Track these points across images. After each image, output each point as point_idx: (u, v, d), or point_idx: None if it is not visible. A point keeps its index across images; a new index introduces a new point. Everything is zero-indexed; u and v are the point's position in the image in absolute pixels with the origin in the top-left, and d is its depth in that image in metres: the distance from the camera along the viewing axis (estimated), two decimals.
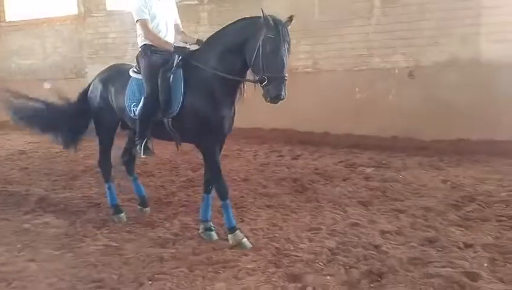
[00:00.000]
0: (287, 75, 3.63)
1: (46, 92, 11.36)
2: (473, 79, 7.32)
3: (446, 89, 7.40)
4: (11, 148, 8.94)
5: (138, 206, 5.02)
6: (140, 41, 4.40)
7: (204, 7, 9.62)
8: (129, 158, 5.02)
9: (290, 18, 3.73)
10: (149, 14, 4.28)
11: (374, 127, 7.97)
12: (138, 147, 4.28)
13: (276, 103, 3.64)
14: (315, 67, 8.71)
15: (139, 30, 4.37)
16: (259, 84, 3.67)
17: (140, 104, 4.21)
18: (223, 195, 4.07)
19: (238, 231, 4.03)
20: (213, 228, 4.24)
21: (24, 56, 12.30)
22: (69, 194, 5.71)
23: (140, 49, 4.41)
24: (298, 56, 8.68)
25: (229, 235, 4.02)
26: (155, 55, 4.25)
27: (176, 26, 4.61)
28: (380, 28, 8.03)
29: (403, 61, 7.94)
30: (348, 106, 8.18)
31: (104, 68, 5.05)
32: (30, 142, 9.54)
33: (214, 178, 4.14)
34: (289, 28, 3.70)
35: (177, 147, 4.37)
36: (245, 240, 3.98)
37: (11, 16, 12.49)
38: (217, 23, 9.17)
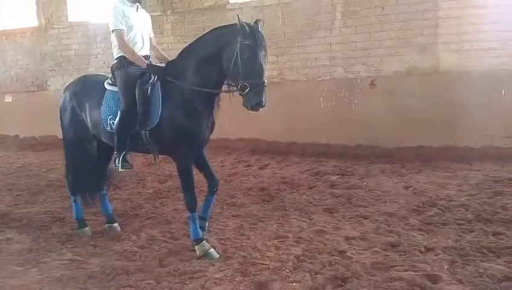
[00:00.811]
0: (266, 81, 3.66)
1: (7, 105, 11.22)
2: (432, 87, 7.55)
3: (407, 98, 7.60)
4: None
5: (106, 225, 4.83)
6: (116, 52, 4.31)
7: (168, 18, 9.64)
8: (100, 173, 4.91)
9: (256, 22, 3.78)
10: (126, 25, 4.22)
11: (338, 135, 8.09)
12: (117, 160, 4.17)
13: (257, 110, 3.64)
14: (280, 78, 8.82)
15: (114, 41, 4.28)
16: (239, 93, 3.66)
17: (117, 118, 4.12)
18: (191, 207, 4.07)
19: (204, 242, 4.04)
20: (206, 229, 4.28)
21: None
22: (32, 209, 5.60)
23: (115, 61, 4.33)
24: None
25: (196, 247, 4.02)
26: (131, 67, 4.18)
27: (150, 40, 4.58)
28: (341, 39, 8.22)
29: (364, 71, 8.14)
30: (313, 115, 8.30)
31: (71, 80, 4.94)
32: None
33: (184, 189, 4.13)
34: (262, 31, 3.75)
35: (155, 159, 4.33)
36: (212, 250, 3.99)
37: None
38: (180, 34, 9.25)
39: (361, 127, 7.90)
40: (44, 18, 11.03)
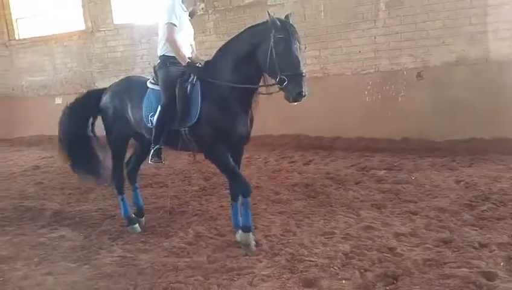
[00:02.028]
0: (304, 71, 3.66)
1: (57, 107, 11.64)
2: (483, 77, 7.31)
3: (456, 89, 7.37)
4: (25, 164, 9.05)
5: (133, 216, 4.97)
6: (161, 49, 4.41)
7: (210, 17, 9.73)
8: (133, 166, 5.09)
9: (287, 16, 3.79)
10: (179, 25, 4.29)
11: (384, 129, 7.94)
12: (151, 152, 4.30)
13: (299, 100, 3.63)
14: (323, 72, 8.73)
15: (163, 34, 4.32)
16: (278, 87, 3.67)
17: (157, 113, 4.24)
18: (244, 193, 4.08)
19: (251, 234, 4.08)
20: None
21: (35, 73, 12.50)
22: (84, 207, 5.77)
23: (159, 59, 4.44)
24: (305, 61, 8.72)
25: (241, 233, 4.08)
26: (173, 67, 4.28)
27: (191, 47, 4.66)
28: (386, 30, 8.06)
29: (410, 63, 7.95)
30: (357, 109, 8.18)
31: (115, 81, 5.11)
32: (44, 158, 9.67)
33: (231, 180, 4.21)
34: (296, 25, 3.76)
35: (194, 157, 4.42)
36: (253, 244, 4.03)
37: (20, 33, 12.71)
38: (222, 33, 9.30)
39: (409, 120, 7.72)
40: (91, 21, 11.37)
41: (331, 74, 8.68)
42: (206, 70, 4.14)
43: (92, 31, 11.41)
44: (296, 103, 3.66)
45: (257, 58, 3.81)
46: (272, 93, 3.92)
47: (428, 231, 4.13)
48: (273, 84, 3.79)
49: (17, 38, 12.68)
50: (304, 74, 3.63)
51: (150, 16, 10.19)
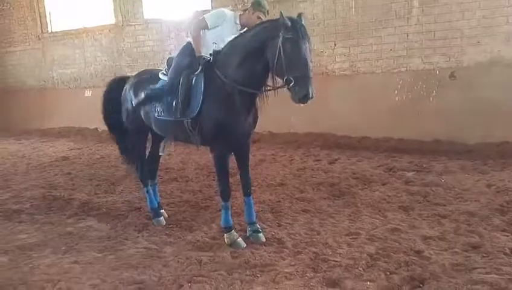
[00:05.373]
0: (312, 73, 3.60)
1: (87, 99, 11.87)
2: None
3: (490, 90, 7.18)
4: (55, 155, 9.26)
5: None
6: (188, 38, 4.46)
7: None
8: (152, 163, 5.15)
9: (299, 15, 3.72)
10: (214, 30, 4.27)
11: (414, 130, 7.80)
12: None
13: (305, 102, 3.60)
14: (352, 70, 8.61)
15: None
16: (286, 87, 3.64)
17: (158, 85, 4.38)
18: (224, 197, 4.23)
19: (233, 231, 4.21)
20: (260, 230, 4.28)
21: (66, 65, 12.78)
22: (111, 199, 5.85)
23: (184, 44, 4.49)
24: (334, 59, 8.63)
25: (225, 235, 4.19)
26: (186, 58, 4.29)
27: None
28: (419, 28, 7.91)
29: (443, 62, 7.78)
30: (386, 108, 8.05)
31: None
32: (72, 149, 9.88)
33: (218, 179, 4.26)
34: (306, 25, 3.70)
35: (198, 148, 4.46)
36: (240, 239, 4.13)
37: (53, 27, 12.98)
38: None
39: (440, 121, 7.57)
40: (121, 15, 11.52)
41: (361, 72, 8.56)
42: (215, 62, 4.11)
43: (122, 25, 11.56)
44: (302, 104, 3.64)
45: (265, 56, 3.76)
46: (277, 89, 3.84)
47: (457, 235, 4.02)
48: (280, 87, 3.75)
49: (49, 31, 12.97)
50: (311, 76, 3.58)
51: (179, 12, 10.25)
